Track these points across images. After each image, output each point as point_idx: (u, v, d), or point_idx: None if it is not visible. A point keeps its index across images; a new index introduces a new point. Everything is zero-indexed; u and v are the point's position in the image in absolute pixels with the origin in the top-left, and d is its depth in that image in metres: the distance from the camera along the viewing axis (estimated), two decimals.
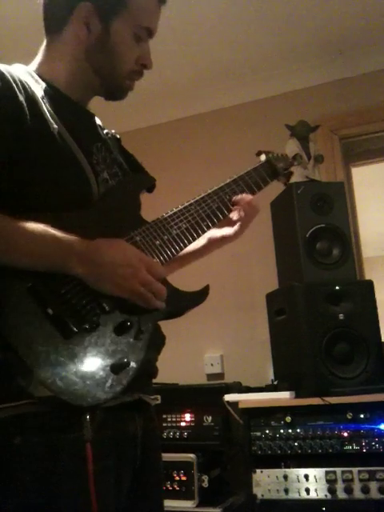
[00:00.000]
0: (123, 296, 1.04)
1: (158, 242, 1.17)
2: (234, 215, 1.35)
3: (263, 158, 1.47)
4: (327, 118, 3.02)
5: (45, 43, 1.22)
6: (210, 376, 3.06)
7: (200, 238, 1.30)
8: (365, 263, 3.14)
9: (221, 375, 3.05)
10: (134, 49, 1.19)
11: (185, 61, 2.97)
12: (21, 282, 0.97)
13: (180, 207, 1.25)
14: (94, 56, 1.18)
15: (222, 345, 3.09)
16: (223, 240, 1.40)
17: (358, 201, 3.18)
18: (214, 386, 2.65)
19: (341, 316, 2.23)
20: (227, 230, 1.39)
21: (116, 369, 1.00)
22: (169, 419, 2.54)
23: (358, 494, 2.02)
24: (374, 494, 2.00)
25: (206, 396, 2.53)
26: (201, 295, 1.22)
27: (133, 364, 1.02)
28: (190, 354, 3.08)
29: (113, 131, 1.35)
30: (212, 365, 3.07)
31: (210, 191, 1.31)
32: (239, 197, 1.33)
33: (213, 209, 1.29)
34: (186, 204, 1.26)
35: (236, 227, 1.37)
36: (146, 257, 1.12)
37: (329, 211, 2.44)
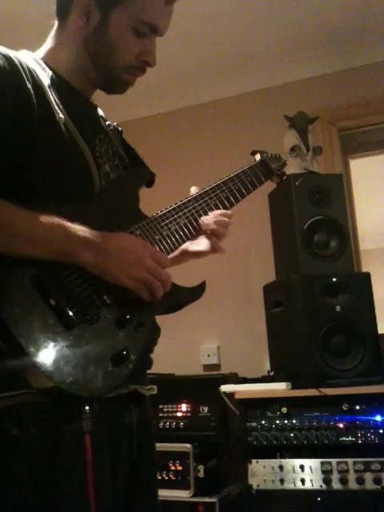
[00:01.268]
0: (128, 284, 1.04)
1: (157, 236, 1.17)
2: (207, 235, 1.31)
3: (258, 157, 1.47)
4: (326, 110, 3.02)
5: (53, 29, 1.22)
6: (207, 367, 3.07)
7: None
8: (362, 256, 3.14)
9: (217, 366, 3.06)
10: (133, 43, 1.18)
11: (183, 51, 2.95)
12: (24, 270, 0.97)
13: (178, 203, 1.25)
14: (91, 45, 1.17)
15: (218, 336, 3.10)
16: (195, 254, 1.36)
17: (356, 193, 3.18)
18: (211, 376, 2.66)
19: (338, 308, 2.24)
20: (199, 246, 1.34)
21: (116, 361, 1.00)
22: (165, 410, 2.55)
23: (353, 484, 2.03)
24: (369, 484, 2.02)
25: (202, 387, 2.54)
26: (198, 291, 1.23)
27: (133, 356, 1.03)
28: (187, 344, 3.08)
29: (115, 123, 1.34)
30: (208, 356, 3.08)
31: (207, 188, 1.31)
32: (208, 217, 1.28)
33: (210, 206, 1.29)
34: (185, 200, 1.27)
35: (208, 246, 1.32)
36: (151, 246, 1.13)
37: (327, 203, 2.44)
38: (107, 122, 1.31)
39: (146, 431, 1.19)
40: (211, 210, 1.29)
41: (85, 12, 1.15)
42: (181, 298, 1.20)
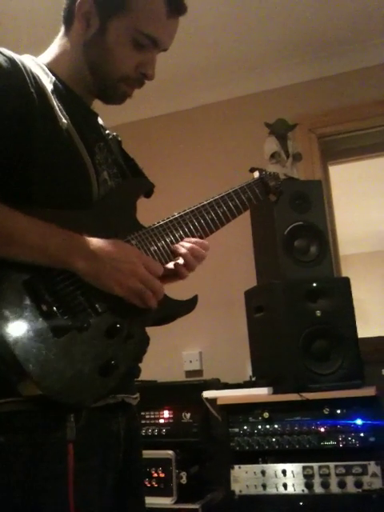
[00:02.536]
0: (120, 293, 1.04)
1: (153, 247, 1.17)
2: (179, 260, 1.25)
3: (256, 175, 1.47)
4: (305, 117, 3.04)
5: (59, 35, 1.22)
6: (189, 373, 3.07)
7: None
8: (342, 261, 3.17)
9: (199, 372, 3.06)
10: (131, 53, 1.17)
11: (167, 58, 2.96)
12: (17, 274, 0.97)
13: (176, 215, 1.25)
14: (90, 52, 1.18)
15: (200, 342, 3.10)
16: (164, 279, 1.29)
17: (335, 199, 3.21)
18: (193, 382, 2.66)
19: (318, 313, 2.26)
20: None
21: (104, 371, 1.00)
22: (147, 416, 2.54)
23: (334, 488, 2.05)
24: (351, 488, 2.03)
25: (184, 393, 2.54)
26: (190, 304, 1.24)
27: (121, 367, 1.03)
28: (169, 350, 3.07)
29: (114, 133, 1.34)
30: (191, 361, 3.08)
31: (205, 202, 1.30)
32: (184, 245, 1.23)
33: (207, 220, 1.29)
34: (182, 213, 1.26)
35: (177, 272, 1.26)
36: (145, 255, 1.13)
37: (307, 209, 2.46)
38: (107, 131, 1.32)
39: (133, 438, 1.19)
40: (208, 224, 1.28)
41: (85, 19, 1.16)
42: (172, 310, 1.20)
